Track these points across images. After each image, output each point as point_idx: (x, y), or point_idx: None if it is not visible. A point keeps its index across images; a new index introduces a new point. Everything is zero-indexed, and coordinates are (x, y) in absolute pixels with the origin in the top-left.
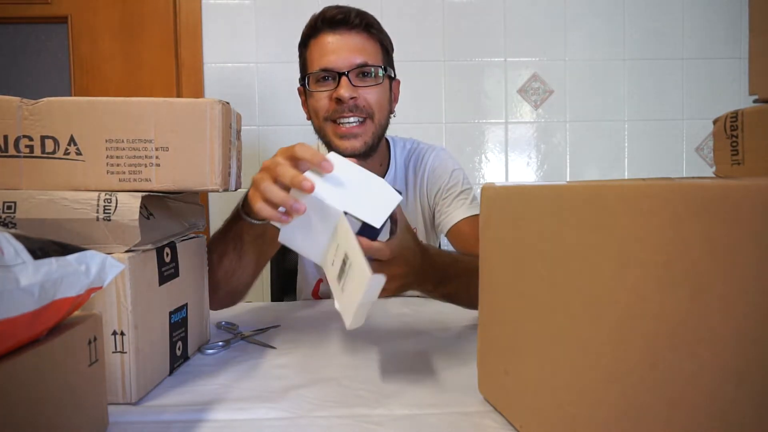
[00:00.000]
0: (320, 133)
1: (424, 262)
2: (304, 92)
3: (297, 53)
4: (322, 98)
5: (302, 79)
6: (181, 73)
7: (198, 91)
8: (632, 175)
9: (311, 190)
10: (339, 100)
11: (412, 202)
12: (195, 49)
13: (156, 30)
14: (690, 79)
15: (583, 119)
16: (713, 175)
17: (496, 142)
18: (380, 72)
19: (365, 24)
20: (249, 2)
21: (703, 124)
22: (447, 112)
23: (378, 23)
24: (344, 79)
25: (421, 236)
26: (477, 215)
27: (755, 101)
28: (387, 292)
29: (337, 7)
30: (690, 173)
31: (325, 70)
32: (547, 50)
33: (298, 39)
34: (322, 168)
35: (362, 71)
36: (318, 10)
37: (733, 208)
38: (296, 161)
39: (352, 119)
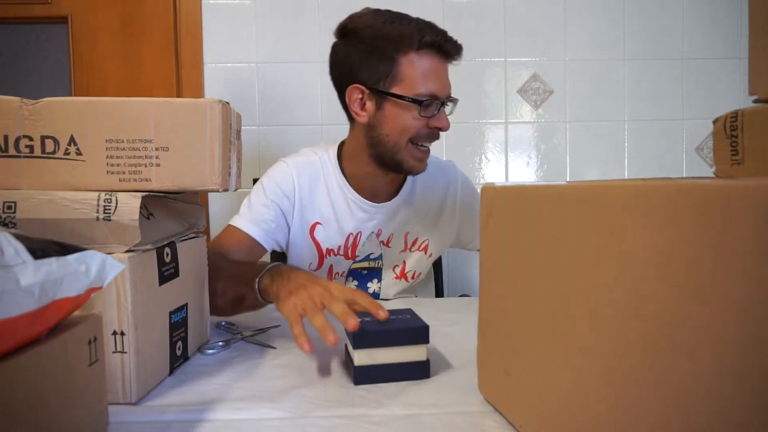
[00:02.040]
0: (392, 148)
1: None
2: (375, 97)
3: (297, 53)
4: (418, 123)
5: (382, 90)
6: (181, 73)
7: (198, 91)
8: (632, 175)
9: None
10: (438, 129)
11: (427, 205)
12: (195, 49)
13: (156, 30)
14: (690, 79)
15: (583, 119)
16: (713, 175)
17: (496, 142)
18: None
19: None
20: (249, 2)
21: (703, 124)
22: None
23: None
24: (444, 110)
25: (421, 238)
26: None
27: (755, 101)
28: None
29: (446, 36)
30: (690, 173)
31: (433, 95)
32: (547, 50)
33: (299, 39)
34: (378, 316)
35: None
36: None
37: (733, 208)
38: (351, 304)
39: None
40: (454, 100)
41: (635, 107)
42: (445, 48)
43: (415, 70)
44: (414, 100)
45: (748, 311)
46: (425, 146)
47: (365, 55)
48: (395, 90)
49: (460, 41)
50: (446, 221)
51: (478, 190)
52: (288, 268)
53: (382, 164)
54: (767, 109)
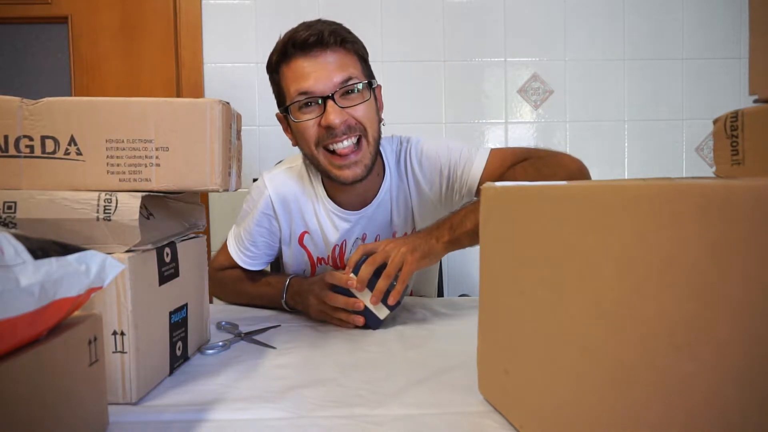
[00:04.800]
0: (313, 161)
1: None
2: (285, 120)
3: None
4: (309, 126)
5: (281, 108)
6: (181, 73)
7: (198, 91)
8: (632, 175)
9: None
10: (329, 127)
11: (403, 197)
12: (195, 49)
13: (156, 30)
14: (690, 79)
15: (583, 119)
16: (713, 175)
17: (496, 142)
18: (365, 86)
19: (340, 40)
20: (249, 2)
21: (703, 124)
22: (447, 112)
23: (351, 33)
24: (330, 102)
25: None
26: (490, 154)
27: (755, 101)
28: (410, 265)
29: (307, 28)
30: (690, 173)
31: (305, 93)
32: (547, 50)
33: None
34: (350, 287)
35: (347, 89)
36: (291, 24)
37: (733, 208)
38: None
39: (346, 142)
40: (349, 84)
41: (635, 107)
42: (300, 40)
43: (288, 78)
44: (285, 107)
45: (748, 311)
46: (339, 147)
47: (271, 84)
48: (287, 104)
49: (459, 41)
50: (425, 202)
51: (440, 150)
52: (296, 286)
53: (327, 178)
54: (767, 109)
